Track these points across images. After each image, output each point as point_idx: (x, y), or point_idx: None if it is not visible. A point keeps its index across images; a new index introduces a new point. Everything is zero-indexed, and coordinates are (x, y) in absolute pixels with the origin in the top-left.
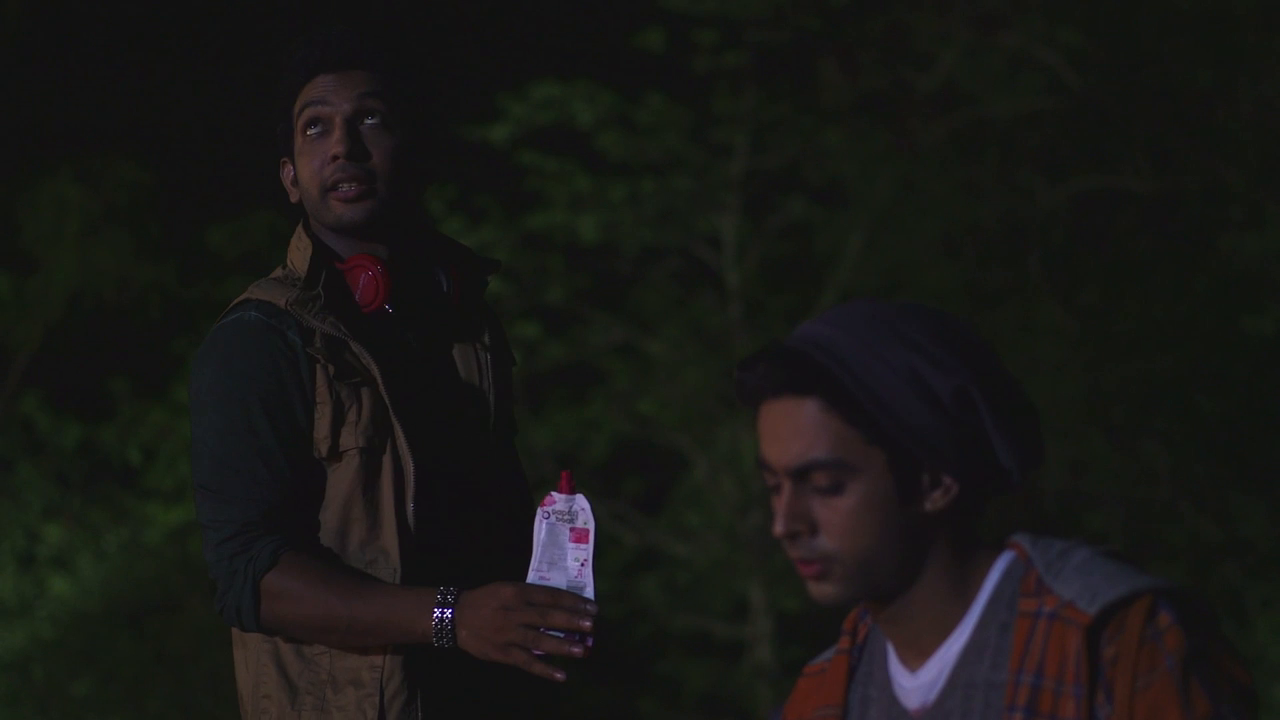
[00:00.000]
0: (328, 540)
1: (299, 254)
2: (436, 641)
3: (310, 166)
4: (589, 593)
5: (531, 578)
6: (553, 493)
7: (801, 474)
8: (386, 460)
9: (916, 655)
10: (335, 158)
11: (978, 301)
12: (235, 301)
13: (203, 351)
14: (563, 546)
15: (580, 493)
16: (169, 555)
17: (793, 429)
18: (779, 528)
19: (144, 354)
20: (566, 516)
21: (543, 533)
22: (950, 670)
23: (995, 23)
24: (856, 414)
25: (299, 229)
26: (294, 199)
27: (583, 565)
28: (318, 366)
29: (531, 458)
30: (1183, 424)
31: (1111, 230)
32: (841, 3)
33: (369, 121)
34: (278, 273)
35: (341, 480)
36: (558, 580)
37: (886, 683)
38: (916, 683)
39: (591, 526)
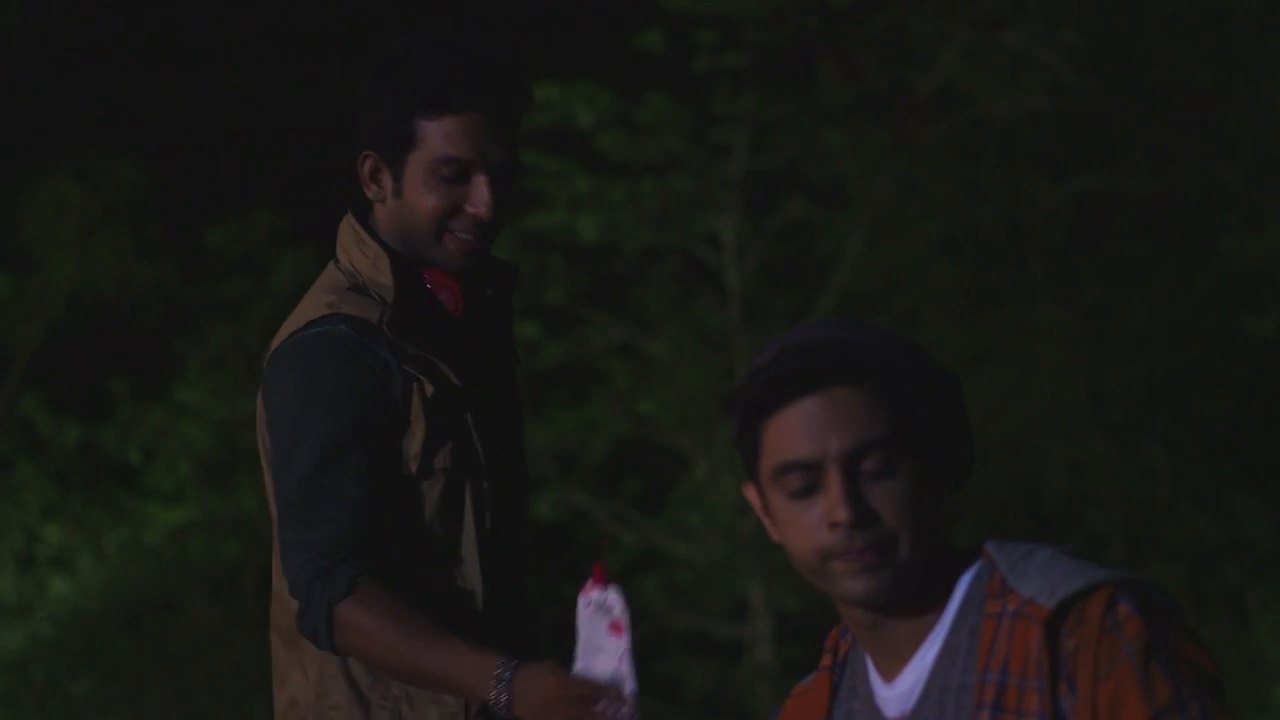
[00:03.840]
0: (411, 557)
1: (367, 261)
2: (494, 709)
3: (435, 204)
4: (629, 685)
5: (577, 668)
6: (589, 582)
7: (853, 460)
8: (469, 479)
9: (894, 665)
10: (477, 217)
11: (978, 301)
12: (318, 314)
13: (285, 361)
14: (602, 638)
15: (614, 584)
16: (169, 555)
17: (842, 416)
18: (846, 514)
19: (144, 354)
20: (603, 609)
21: (584, 622)
22: (926, 677)
23: (995, 23)
24: (904, 398)
25: (358, 229)
26: (370, 195)
27: (621, 658)
28: (414, 386)
29: (532, 457)
30: (1183, 424)
31: (1111, 231)
32: (841, 3)
33: (501, 174)
34: (337, 277)
35: (429, 498)
36: (601, 670)
37: (869, 695)
38: (894, 692)
39: (626, 620)
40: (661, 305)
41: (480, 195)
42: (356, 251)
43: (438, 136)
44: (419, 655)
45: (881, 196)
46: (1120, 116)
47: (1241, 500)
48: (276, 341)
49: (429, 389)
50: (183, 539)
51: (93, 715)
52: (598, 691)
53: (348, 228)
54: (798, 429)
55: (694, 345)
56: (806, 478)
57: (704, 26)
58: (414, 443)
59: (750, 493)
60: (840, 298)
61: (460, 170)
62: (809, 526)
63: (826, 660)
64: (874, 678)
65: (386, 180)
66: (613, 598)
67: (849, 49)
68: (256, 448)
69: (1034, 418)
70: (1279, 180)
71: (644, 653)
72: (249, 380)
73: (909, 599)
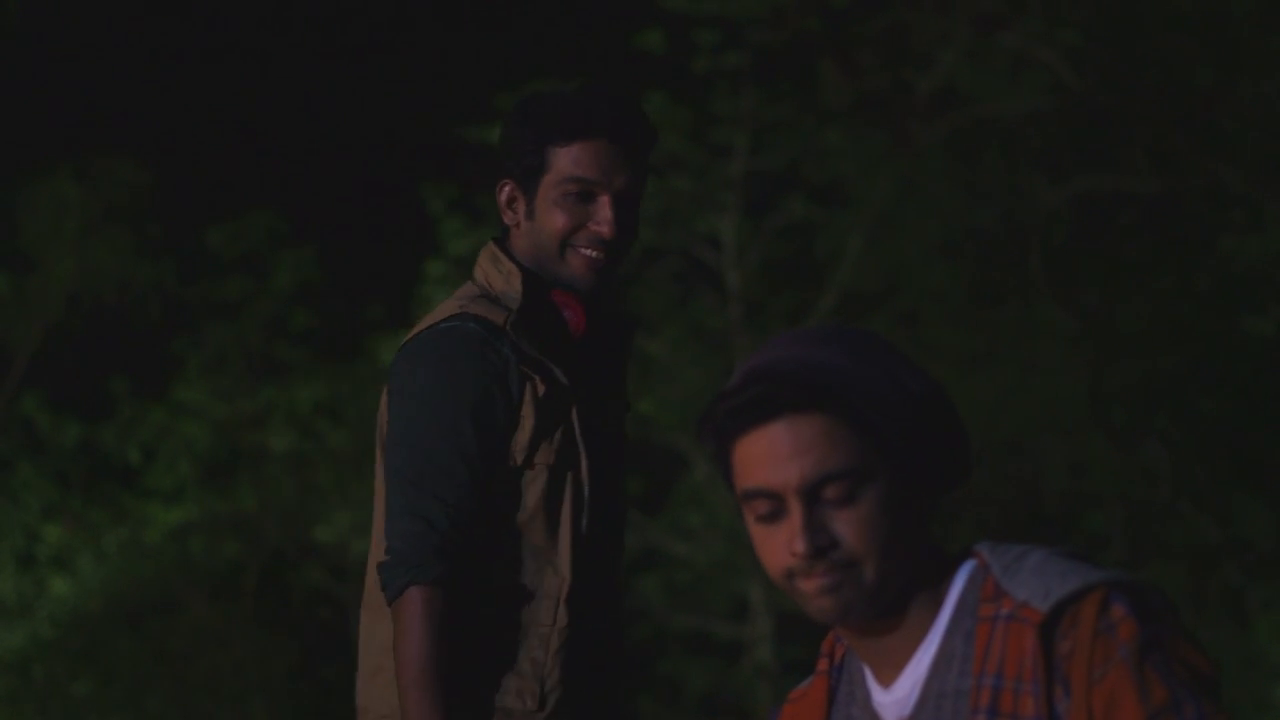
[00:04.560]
0: (507, 545)
1: (501, 277)
2: None
3: (562, 222)
4: None
5: None
6: None
7: (814, 490)
8: (569, 480)
9: (890, 670)
10: (600, 234)
11: (978, 301)
12: (449, 313)
13: (416, 350)
14: None
15: None
16: (169, 555)
17: (799, 446)
18: (803, 546)
19: (144, 354)
20: None
21: None
22: (923, 682)
23: (995, 23)
24: (863, 423)
25: (495, 251)
26: (507, 220)
27: None
28: (528, 384)
29: None
30: (1183, 424)
31: (1111, 230)
32: (841, 3)
33: (625, 199)
34: (470, 289)
35: (531, 491)
36: None
37: (867, 700)
38: (892, 698)
39: None
40: (661, 305)
41: (604, 214)
42: (493, 269)
43: (566, 161)
44: (415, 682)
45: (881, 196)
46: (1121, 116)
47: (1241, 500)
48: (404, 341)
49: (541, 388)
50: (183, 539)
51: (93, 715)
52: None
53: (487, 251)
54: (759, 458)
55: (694, 345)
56: (771, 504)
57: (704, 26)
58: (523, 435)
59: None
60: (840, 298)
61: (586, 191)
62: (776, 549)
63: (823, 665)
64: (871, 683)
65: (521, 205)
66: None
67: (849, 49)
68: (258, 447)
69: (1034, 418)
70: (1279, 180)
71: (644, 653)
72: (249, 380)
73: (894, 610)
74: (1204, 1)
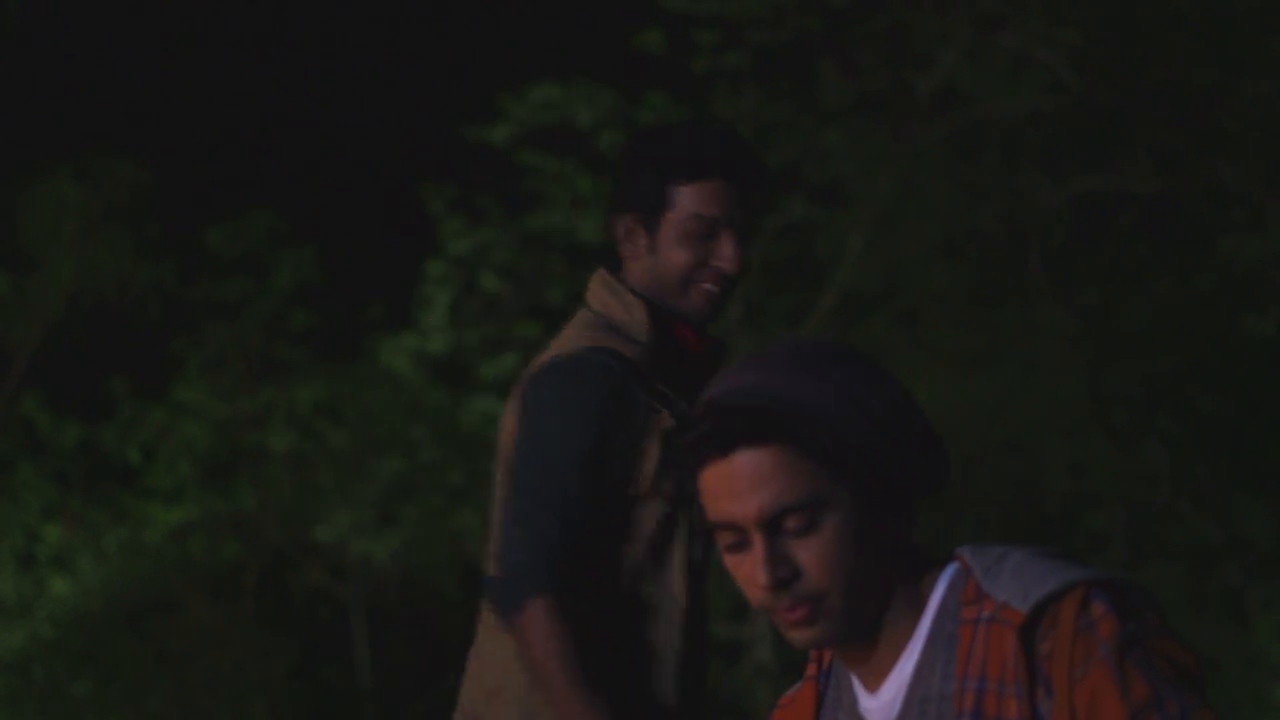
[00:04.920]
0: (624, 569)
1: (622, 308)
2: None
3: (686, 259)
4: None
5: None
6: None
7: (774, 522)
8: (688, 510)
9: (875, 676)
10: (721, 270)
11: (978, 301)
12: (581, 343)
13: (549, 377)
14: None
15: None
16: (169, 555)
17: (756, 479)
18: (764, 579)
19: (144, 354)
20: None
21: None
22: (907, 687)
23: (995, 23)
24: (818, 451)
25: (611, 281)
26: (625, 253)
27: None
28: (655, 416)
29: None
30: (1183, 424)
31: (1111, 230)
32: (841, 3)
33: (744, 234)
34: (589, 318)
35: (646, 520)
36: None
37: (854, 705)
38: (878, 703)
39: None
40: None
41: (726, 251)
42: (611, 299)
43: (690, 199)
44: (566, 687)
45: (881, 196)
46: (1121, 116)
47: (1241, 500)
48: (535, 367)
49: (667, 420)
50: (183, 539)
51: (93, 715)
52: None
53: (601, 279)
54: (719, 491)
55: None
56: (735, 535)
57: (704, 26)
58: (648, 465)
59: None
60: (840, 298)
61: (709, 228)
62: (745, 579)
63: (811, 670)
64: (858, 688)
65: (641, 239)
66: None
67: (849, 49)
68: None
69: (1034, 418)
70: (1279, 180)
71: None
72: (249, 380)
73: (874, 625)
74: (1204, 1)
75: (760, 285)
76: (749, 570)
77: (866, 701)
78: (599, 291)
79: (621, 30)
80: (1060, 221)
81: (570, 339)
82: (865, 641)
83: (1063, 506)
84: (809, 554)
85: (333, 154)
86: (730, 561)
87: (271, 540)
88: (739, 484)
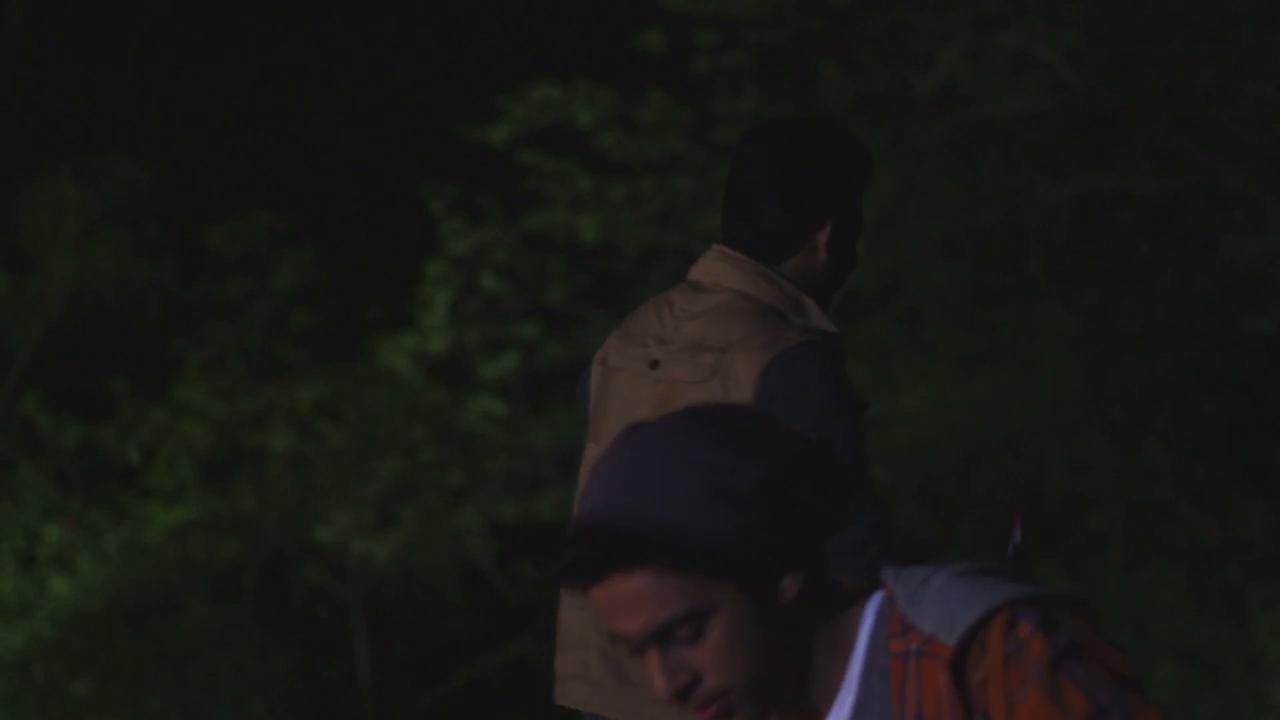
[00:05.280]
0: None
1: (788, 300)
2: None
3: (850, 266)
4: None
5: None
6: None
7: (661, 635)
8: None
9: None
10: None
11: (978, 301)
12: (797, 334)
13: (810, 357)
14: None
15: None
16: (169, 555)
17: (632, 602)
18: (663, 689)
19: (144, 354)
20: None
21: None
22: None
23: (995, 23)
24: (688, 564)
25: (768, 272)
26: (820, 259)
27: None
28: None
29: (533, 457)
30: (1183, 424)
31: (1112, 230)
32: (841, 3)
33: None
34: (762, 306)
35: None
36: None
37: None
38: None
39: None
40: None
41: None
42: (770, 288)
43: (860, 209)
44: None
45: (881, 196)
46: (1121, 116)
47: (1241, 500)
48: (765, 354)
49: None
50: (183, 539)
51: (93, 715)
52: None
53: (752, 267)
54: (603, 610)
55: None
56: (631, 644)
57: (704, 26)
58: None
59: None
60: (841, 297)
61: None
62: (652, 682)
63: None
64: None
65: (825, 243)
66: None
67: (849, 49)
68: (258, 447)
69: (1034, 418)
70: (1279, 180)
71: None
72: (249, 380)
73: (795, 688)
74: (1204, 1)
75: None
76: (650, 675)
77: None
78: (754, 280)
79: (621, 30)
80: (1060, 221)
81: (772, 328)
82: (795, 696)
83: (1063, 506)
84: (703, 658)
85: (333, 154)
86: (635, 665)
87: (271, 540)
88: (618, 605)
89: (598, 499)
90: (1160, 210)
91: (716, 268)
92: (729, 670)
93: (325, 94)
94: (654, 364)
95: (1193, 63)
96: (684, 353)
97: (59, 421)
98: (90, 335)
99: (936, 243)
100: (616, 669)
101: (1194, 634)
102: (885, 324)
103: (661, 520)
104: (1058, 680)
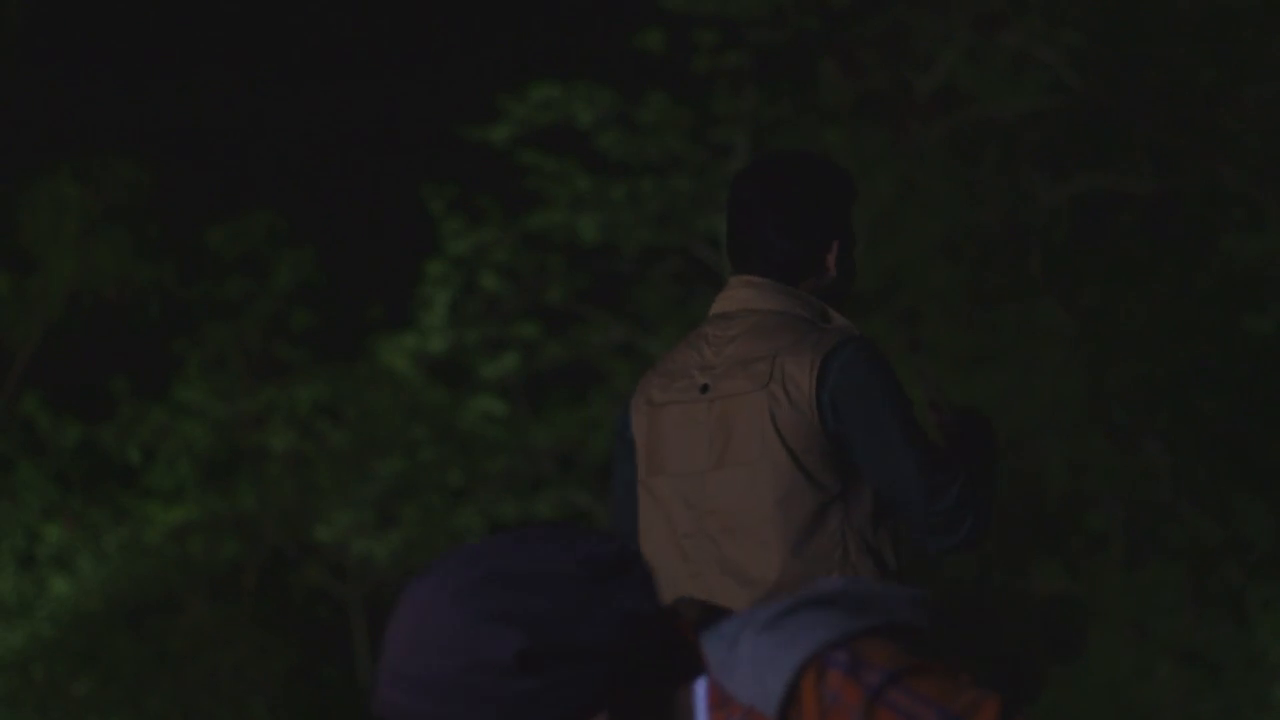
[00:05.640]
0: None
1: (814, 311)
2: None
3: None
4: None
5: None
6: None
7: None
8: None
9: None
10: None
11: (978, 301)
12: (847, 327)
13: (865, 352)
14: None
15: None
16: (169, 555)
17: None
18: None
19: (144, 354)
20: None
21: None
22: None
23: (995, 23)
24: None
25: (789, 290)
26: (830, 276)
27: None
28: None
29: (532, 457)
30: (1183, 424)
31: (1112, 230)
32: (841, 3)
33: None
34: (800, 314)
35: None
36: None
37: None
38: None
39: None
40: (661, 305)
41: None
42: (796, 303)
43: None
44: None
45: (881, 196)
46: (1121, 116)
47: (1241, 500)
48: (816, 354)
49: None
50: (183, 539)
51: (93, 715)
52: None
53: (775, 287)
54: None
55: None
56: None
57: (704, 26)
58: None
59: None
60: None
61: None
62: None
63: None
64: None
65: (832, 260)
66: None
67: (849, 49)
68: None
69: (1034, 418)
70: (1279, 180)
71: None
72: (249, 380)
73: None
74: (1205, 2)
75: None
76: None
77: None
78: (781, 297)
79: (621, 30)
80: (1060, 221)
81: (814, 331)
82: None
83: (1063, 506)
84: None
85: (333, 154)
86: None
87: (271, 540)
88: None
89: (389, 689)
90: (1160, 210)
91: (742, 294)
92: None
93: (325, 94)
94: (704, 388)
95: (1193, 63)
96: (734, 368)
97: (59, 421)
98: (90, 335)
99: (936, 243)
100: None
101: (1194, 634)
102: (885, 324)
103: (431, 714)
104: (881, 715)
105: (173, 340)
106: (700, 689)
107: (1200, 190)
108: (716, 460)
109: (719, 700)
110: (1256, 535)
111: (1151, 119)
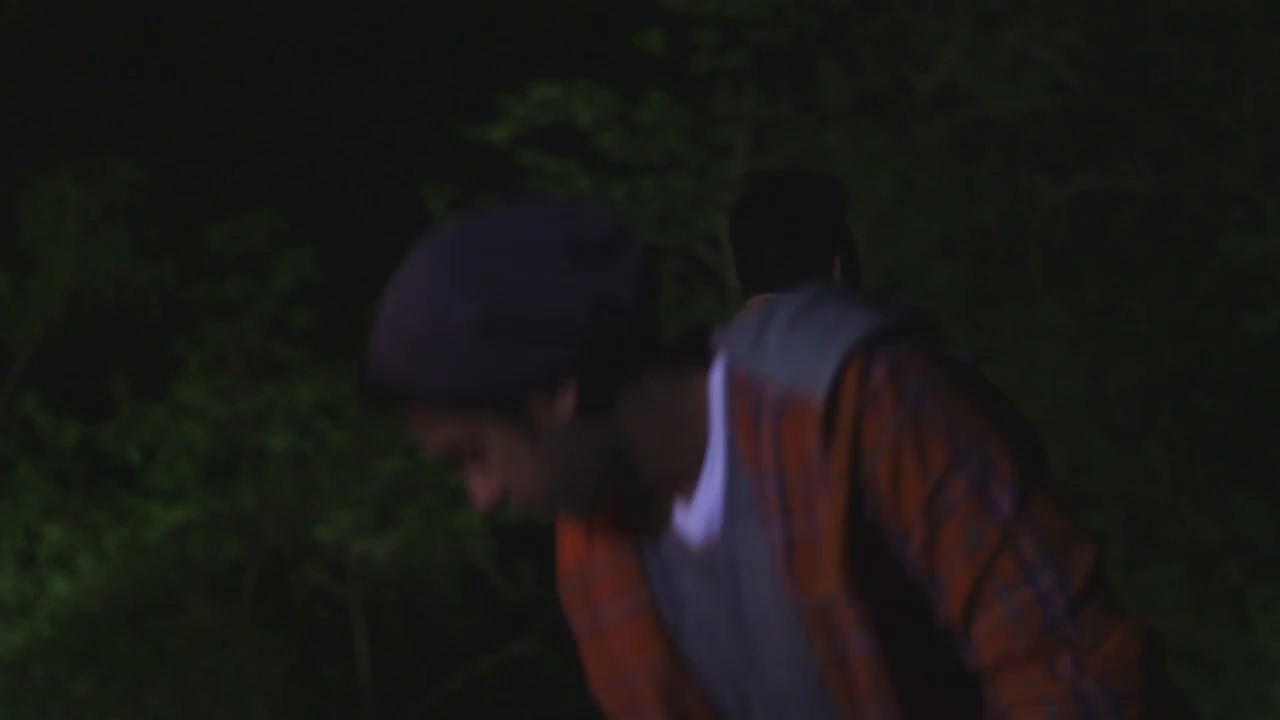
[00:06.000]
0: None
1: None
2: None
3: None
4: None
5: None
6: None
7: (451, 458)
8: None
9: (684, 493)
10: None
11: (978, 301)
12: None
13: None
14: None
15: None
16: (169, 555)
17: (415, 431)
18: (477, 500)
19: (144, 354)
20: None
21: None
22: (721, 500)
23: (995, 23)
24: (433, 405)
25: None
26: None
27: None
28: None
29: None
30: (1183, 424)
31: (1112, 230)
32: (841, 3)
33: None
34: None
35: None
36: None
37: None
38: (694, 517)
39: None
40: (661, 305)
41: None
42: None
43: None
44: None
45: (881, 196)
46: (1121, 116)
47: (1241, 500)
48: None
49: None
50: (183, 539)
51: (93, 715)
52: None
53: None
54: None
55: None
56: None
57: (704, 26)
58: None
59: None
60: None
61: None
62: (471, 494)
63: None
64: (679, 515)
65: (838, 271)
66: None
67: (849, 49)
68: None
69: (1034, 418)
70: (1279, 180)
71: None
72: (249, 380)
73: (652, 461)
74: (1204, 1)
75: None
76: (469, 489)
77: (682, 519)
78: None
79: (621, 30)
80: (1060, 221)
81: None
82: (657, 483)
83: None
84: (495, 474)
85: (333, 154)
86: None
87: (271, 540)
88: (414, 433)
89: (374, 347)
90: (1160, 210)
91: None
92: (522, 483)
93: (325, 94)
94: None
95: (1193, 63)
96: None
97: (59, 421)
98: (90, 335)
99: (936, 242)
100: None
101: (1194, 634)
102: None
103: (401, 368)
104: (919, 430)
105: (173, 340)
106: (716, 374)
107: (1200, 190)
108: None
109: (746, 381)
110: (1256, 535)
111: (1151, 119)
